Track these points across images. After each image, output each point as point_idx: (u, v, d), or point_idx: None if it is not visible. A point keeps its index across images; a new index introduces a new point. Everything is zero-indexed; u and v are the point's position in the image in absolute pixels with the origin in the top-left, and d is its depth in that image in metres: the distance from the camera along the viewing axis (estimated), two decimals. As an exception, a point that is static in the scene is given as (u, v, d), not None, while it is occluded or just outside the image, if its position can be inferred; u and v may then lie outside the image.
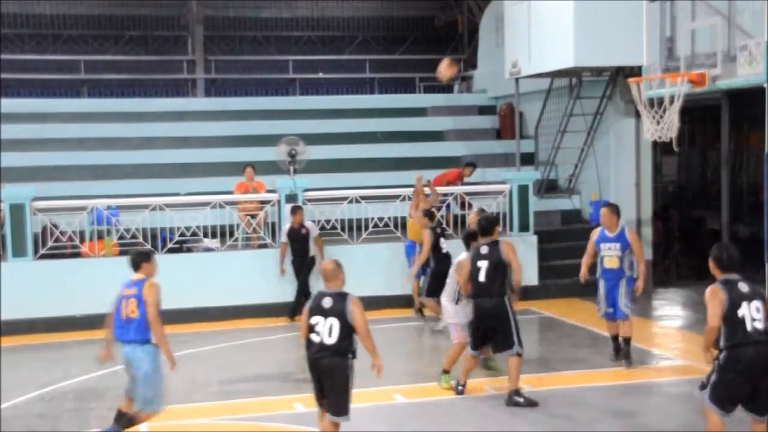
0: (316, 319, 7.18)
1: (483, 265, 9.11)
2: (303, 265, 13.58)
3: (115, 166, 17.54)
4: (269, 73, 24.30)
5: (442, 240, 12.59)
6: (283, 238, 13.62)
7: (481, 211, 11.48)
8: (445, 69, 13.24)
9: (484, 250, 9.18)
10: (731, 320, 6.64)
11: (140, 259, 8.00)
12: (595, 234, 10.47)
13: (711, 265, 6.88)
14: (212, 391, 10.09)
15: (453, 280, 9.67)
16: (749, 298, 6.66)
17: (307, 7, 25.54)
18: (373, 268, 13.72)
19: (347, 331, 7.12)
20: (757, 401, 6.74)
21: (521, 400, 8.97)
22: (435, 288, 11.92)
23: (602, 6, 14.00)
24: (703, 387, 6.88)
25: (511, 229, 15.01)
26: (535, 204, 15.58)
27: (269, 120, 19.26)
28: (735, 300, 6.65)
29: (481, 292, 9.12)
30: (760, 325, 6.65)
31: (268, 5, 25.24)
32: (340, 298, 7.18)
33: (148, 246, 13.80)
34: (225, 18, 24.99)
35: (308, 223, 13.68)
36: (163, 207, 13.95)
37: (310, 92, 24.03)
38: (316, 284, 13.77)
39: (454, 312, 9.64)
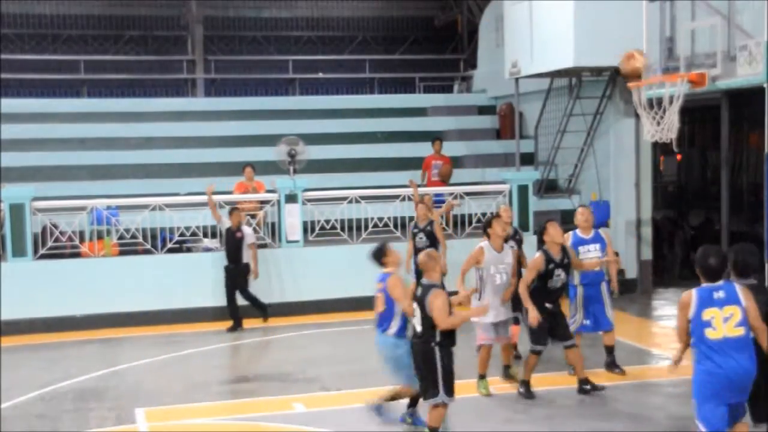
0: (414, 305, 7.75)
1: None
2: (236, 271, 13.20)
3: (115, 166, 17.54)
4: (269, 73, 24.30)
5: None
6: (223, 235, 13.48)
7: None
8: (627, 63, 11.94)
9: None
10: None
11: (379, 255, 8.37)
12: (567, 240, 9.83)
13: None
14: (212, 391, 10.09)
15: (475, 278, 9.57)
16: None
17: (306, 7, 25.54)
18: (373, 268, 13.67)
19: (428, 320, 7.53)
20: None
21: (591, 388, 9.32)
22: None
23: (602, 6, 14.00)
24: None
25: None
26: (535, 204, 15.59)
27: (269, 120, 19.27)
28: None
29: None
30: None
31: (267, 5, 25.24)
32: (425, 289, 7.65)
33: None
34: (225, 18, 24.99)
35: (246, 228, 13.33)
36: (163, 207, 13.95)
37: (310, 92, 24.04)
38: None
39: (476, 312, 9.28)
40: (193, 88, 23.65)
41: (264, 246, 14.27)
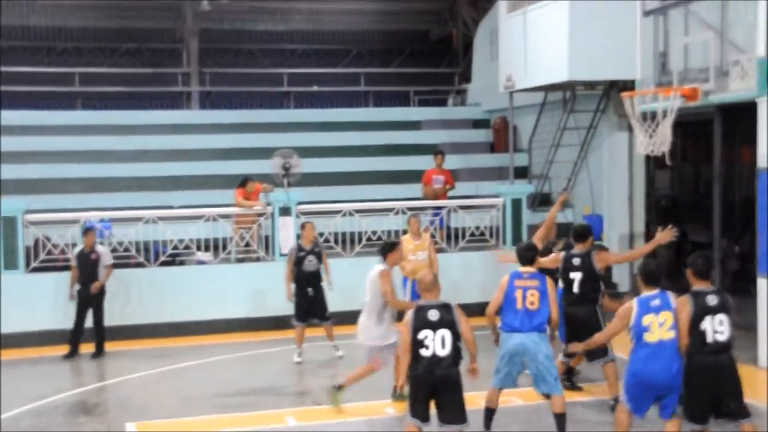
0: (424, 333, 7.18)
1: (576, 276, 9.35)
2: (88, 293, 12.42)
3: (109, 178, 17.53)
4: (264, 86, 24.34)
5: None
6: (73, 261, 12.54)
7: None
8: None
9: (576, 261, 9.40)
10: (693, 332, 7.14)
11: (532, 254, 8.42)
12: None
13: (688, 273, 7.38)
14: (206, 404, 10.05)
15: (377, 297, 9.29)
16: (715, 311, 7.15)
17: (302, 21, 25.62)
18: (365, 282, 13.66)
19: (457, 340, 7.24)
20: (723, 407, 7.17)
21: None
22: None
23: (596, 20, 14.06)
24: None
25: (504, 243, 15.01)
26: (529, 217, 15.57)
27: (264, 133, 19.30)
28: (699, 313, 7.13)
29: (576, 302, 9.35)
30: (721, 337, 7.14)
31: (263, 18, 25.32)
32: (446, 309, 7.29)
33: (140, 258, 13.80)
34: (220, 31, 25.06)
35: (100, 248, 12.60)
36: (156, 220, 13.93)
37: (305, 105, 24.09)
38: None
39: (379, 334, 9.28)
40: (188, 100, 23.69)
41: (258, 259, 14.27)
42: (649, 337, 7.17)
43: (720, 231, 14.20)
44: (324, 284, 12.12)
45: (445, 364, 7.18)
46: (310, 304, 12.02)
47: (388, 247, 9.47)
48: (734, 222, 16.91)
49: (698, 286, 7.26)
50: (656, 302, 7.23)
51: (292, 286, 11.98)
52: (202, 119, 20.77)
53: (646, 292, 7.31)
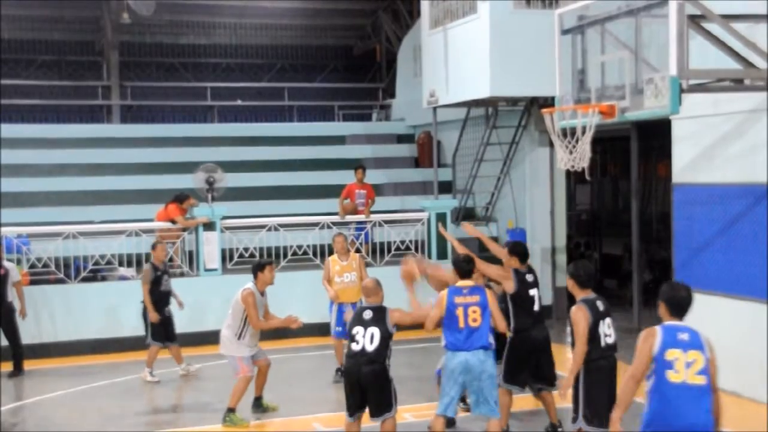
0: (356, 329, 7.83)
1: (535, 293, 8.72)
2: None
3: (27, 193, 17.12)
4: (187, 100, 24.11)
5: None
6: None
7: None
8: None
9: (530, 277, 8.79)
10: (592, 338, 7.20)
11: (471, 267, 8.19)
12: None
13: (569, 283, 7.41)
14: (127, 422, 9.89)
15: (239, 314, 9.51)
16: (604, 315, 7.30)
17: (225, 35, 25.49)
18: (291, 296, 13.62)
19: (386, 339, 7.78)
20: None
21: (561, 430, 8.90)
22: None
23: (517, 37, 14.32)
24: (575, 420, 7.32)
25: (429, 257, 15.17)
26: (453, 232, 15.75)
27: (187, 147, 19.11)
28: (596, 318, 7.25)
29: (537, 322, 8.72)
30: (610, 340, 7.35)
31: (185, 32, 25.10)
32: (380, 310, 7.89)
33: (61, 274, 13.51)
34: (141, 44, 24.76)
35: (8, 264, 12.32)
36: (77, 235, 13.67)
37: (229, 119, 23.94)
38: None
39: (238, 346, 9.51)
40: (108, 114, 23.30)
41: (182, 275, 14.10)
42: (673, 377, 5.80)
43: (638, 244, 14.63)
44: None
45: (372, 358, 7.69)
46: (168, 325, 11.94)
47: (258, 267, 9.72)
48: (651, 235, 17.41)
49: (582, 294, 7.28)
50: (684, 336, 5.87)
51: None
52: (124, 133, 20.47)
53: (671, 321, 5.98)
